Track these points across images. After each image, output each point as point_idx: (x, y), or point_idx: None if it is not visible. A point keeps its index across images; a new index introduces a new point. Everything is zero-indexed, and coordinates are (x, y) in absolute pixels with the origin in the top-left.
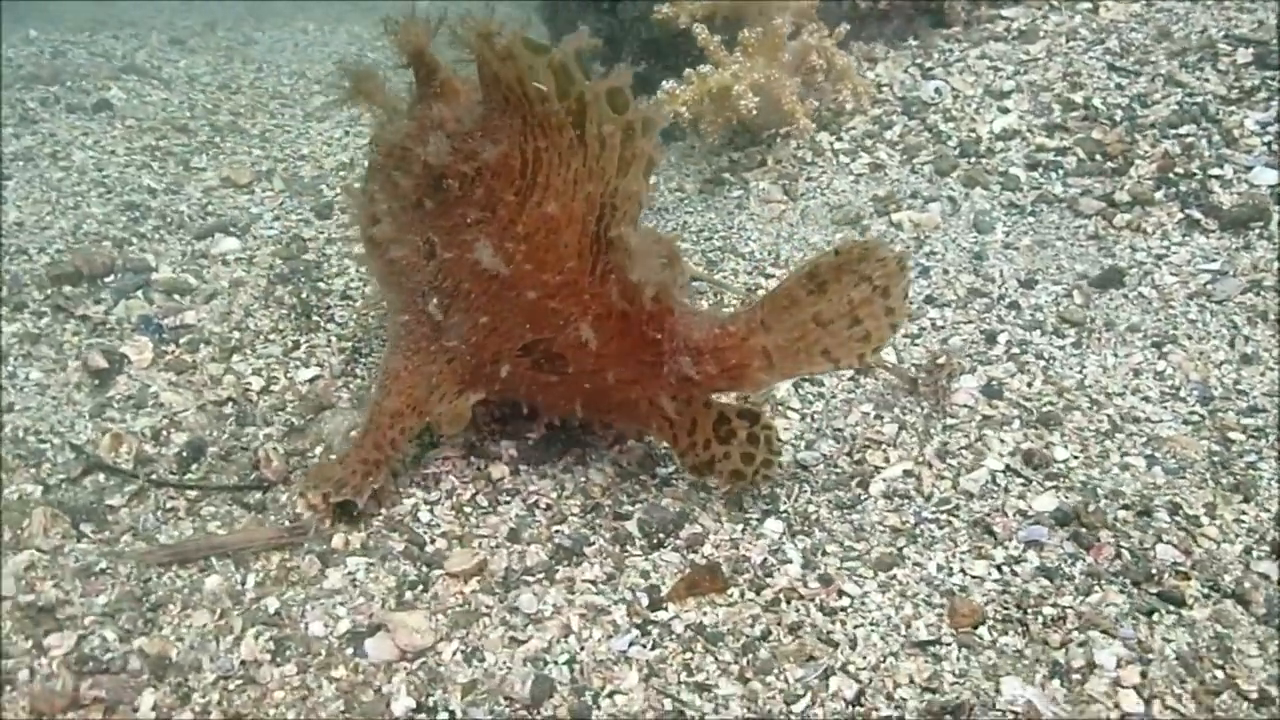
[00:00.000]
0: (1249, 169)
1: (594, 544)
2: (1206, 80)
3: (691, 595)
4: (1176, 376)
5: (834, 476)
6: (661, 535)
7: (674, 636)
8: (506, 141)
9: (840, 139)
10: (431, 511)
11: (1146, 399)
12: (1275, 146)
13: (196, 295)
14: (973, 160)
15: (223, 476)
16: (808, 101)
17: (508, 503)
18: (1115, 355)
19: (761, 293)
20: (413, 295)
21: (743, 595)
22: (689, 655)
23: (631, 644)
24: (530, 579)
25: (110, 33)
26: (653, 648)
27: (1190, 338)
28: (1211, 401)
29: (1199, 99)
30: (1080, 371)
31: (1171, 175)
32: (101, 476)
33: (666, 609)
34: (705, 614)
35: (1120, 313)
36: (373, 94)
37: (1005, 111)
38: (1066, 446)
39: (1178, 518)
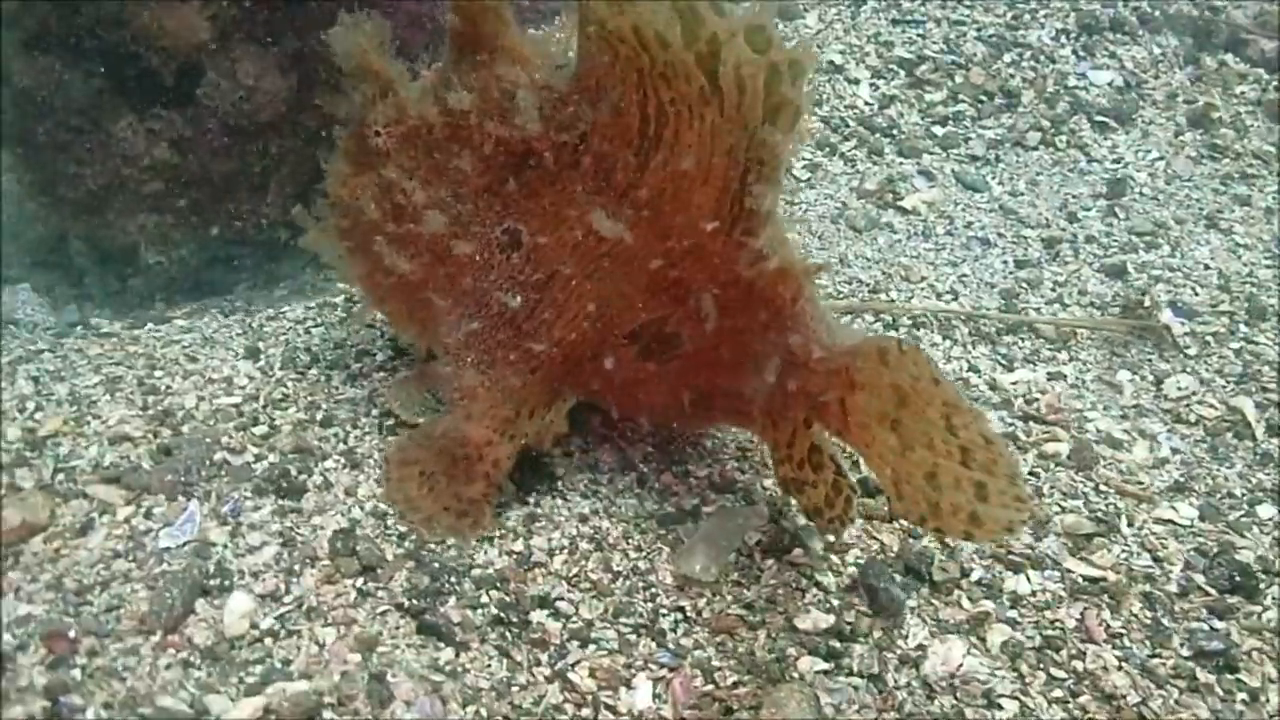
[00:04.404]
0: (1084, 75)
1: None
2: (975, 14)
3: None
4: (1249, 239)
5: (1206, 439)
6: None
7: None
8: (619, 99)
9: None
10: None
11: (1261, 266)
12: (1081, 53)
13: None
14: (889, 135)
15: None
16: None
17: None
18: (1199, 244)
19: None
20: (483, 298)
21: None
22: None
23: None
24: None
25: None
26: None
27: (1219, 211)
28: None
29: (991, 31)
30: (1205, 267)
31: (1049, 94)
32: None
33: None
34: None
35: (1153, 213)
36: (377, 70)
37: (856, 83)
38: None
39: None
